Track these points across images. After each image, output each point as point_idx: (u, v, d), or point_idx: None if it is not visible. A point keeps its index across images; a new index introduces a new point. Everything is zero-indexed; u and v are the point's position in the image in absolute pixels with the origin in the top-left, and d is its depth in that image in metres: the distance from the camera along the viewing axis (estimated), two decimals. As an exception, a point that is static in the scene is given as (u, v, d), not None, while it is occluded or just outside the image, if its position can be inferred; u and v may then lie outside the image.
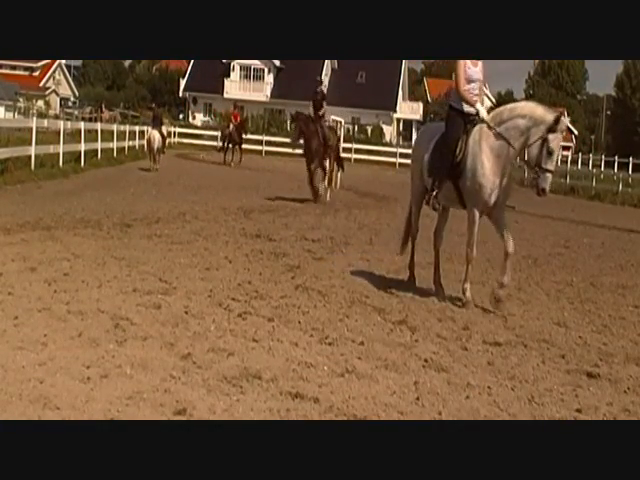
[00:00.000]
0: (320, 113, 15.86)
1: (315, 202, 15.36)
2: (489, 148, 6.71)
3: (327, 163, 16.21)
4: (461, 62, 6.88)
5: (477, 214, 6.83)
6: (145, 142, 25.43)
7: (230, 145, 30.33)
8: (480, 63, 6.98)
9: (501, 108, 6.94)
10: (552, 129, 6.44)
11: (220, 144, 32.37)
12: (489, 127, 6.75)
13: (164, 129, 26.83)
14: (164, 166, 23.83)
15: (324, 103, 15.98)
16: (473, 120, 6.90)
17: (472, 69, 6.93)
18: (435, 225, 7.58)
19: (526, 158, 6.72)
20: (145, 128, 33.40)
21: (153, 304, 5.93)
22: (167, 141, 30.22)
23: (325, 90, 18.15)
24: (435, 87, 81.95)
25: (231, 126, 30.24)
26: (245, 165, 29.33)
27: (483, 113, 6.86)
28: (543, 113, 6.57)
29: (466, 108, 6.95)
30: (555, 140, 6.48)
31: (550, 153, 6.48)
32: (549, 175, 6.55)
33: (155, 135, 23.90)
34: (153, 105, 39.32)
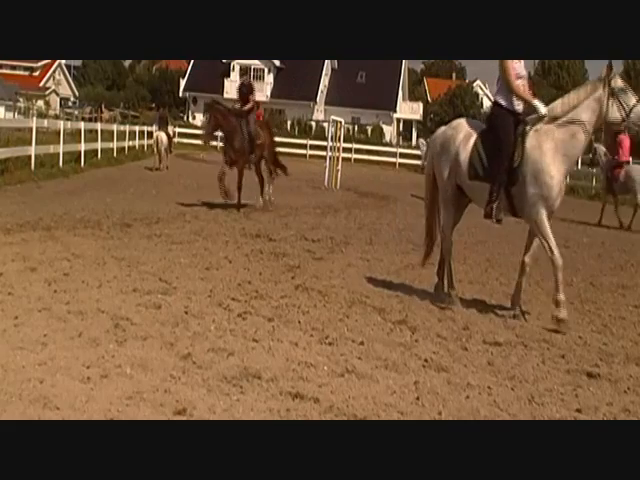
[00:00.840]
0: (246, 108, 14.16)
1: (228, 201, 13.62)
2: (554, 147, 6.38)
3: (261, 165, 14.58)
4: (507, 60, 6.53)
5: (545, 218, 6.43)
6: (153, 143, 25.83)
7: None
8: (522, 60, 6.73)
9: (551, 105, 6.54)
10: (609, 78, 6.31)
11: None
12: (556, 123, 6.41)
13: (170, 129, 27.06)
14: (164, 166, 23.91)
15: (251, 97, 14.27)
16: (524, 119, 6.57)
17: (518, 64, 6.65)
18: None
19: (610, 122, 6.41)
20: (145, 128, 33.48)
21: (153, 304, 5.93)
22: (173, 141, 30.32)
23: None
24: (435, 87, 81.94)
25: None
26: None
27: (543, 109, 6.48)
28: (592, 84, 6.47)
29: (517, 106, 6.62)
30: (617, 80, 6.32)
31: (625, 90, 6.31)
32: (638, 106, 6.31)
33: (162, 137, 24.58)
34: (154, 105, 39.31)
